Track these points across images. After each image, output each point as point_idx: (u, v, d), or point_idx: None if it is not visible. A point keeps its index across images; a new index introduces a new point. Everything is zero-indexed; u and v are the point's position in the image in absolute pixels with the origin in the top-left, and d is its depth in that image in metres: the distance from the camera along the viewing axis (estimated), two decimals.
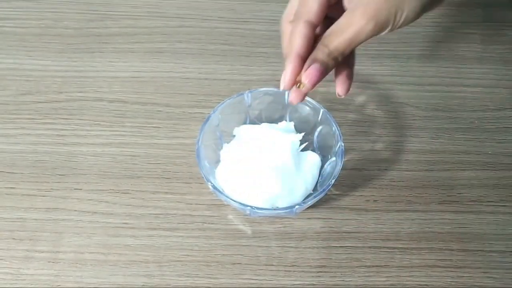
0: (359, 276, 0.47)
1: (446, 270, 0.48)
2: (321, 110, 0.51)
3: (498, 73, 0.61)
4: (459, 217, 0.51)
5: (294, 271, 0.48)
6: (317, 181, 0.50)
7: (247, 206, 0.45)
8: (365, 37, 0.37)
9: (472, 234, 0.50)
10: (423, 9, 0.38)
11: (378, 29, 0.37)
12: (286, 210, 0.46)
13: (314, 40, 0.39)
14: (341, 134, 0.49)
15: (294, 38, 0.38)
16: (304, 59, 0.38)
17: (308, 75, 0.37)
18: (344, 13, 0.37)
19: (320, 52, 0.37)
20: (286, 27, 0.40)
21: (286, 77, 0.38)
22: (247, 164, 0.48)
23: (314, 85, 0.38)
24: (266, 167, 0.47)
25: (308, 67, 0.37)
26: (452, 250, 0.49)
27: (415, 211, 0.51)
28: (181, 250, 0.48)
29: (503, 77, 0.61)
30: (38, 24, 0.64)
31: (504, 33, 0.65)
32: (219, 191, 0.46)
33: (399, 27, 0.38)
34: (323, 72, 0.38)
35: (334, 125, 0.49)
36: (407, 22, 0.38)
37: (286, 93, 0.51)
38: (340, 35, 0.37)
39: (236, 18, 0.65)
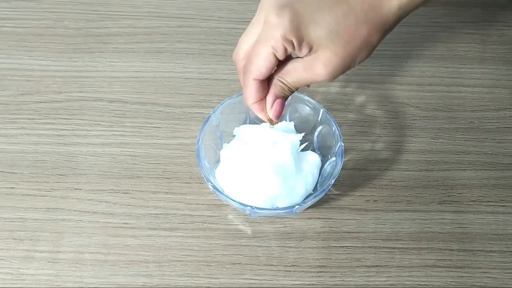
0: (359, 276, 0.48)
1: (446, 270, 0.48)
2: (321, 110, 0.51)
3: (498, 73, 0.61)
4: (459, 217, 0.51)
5: (294, 271, 0.48)
6: (317, 181, 0.50)
7: (247, 206, 0.45)
8: (320, 83, 0.41)
9: (472, 234, 0.50)
10: (368, 56, 0.41)
11: (332, 80, 0.41)
12: (286, 210, 0.46)
13: (267, 82, 0.42)
14: (341, 134, 0.49)
15: (247, 91, 0.42)
16: (263, 99, 0.43)
17: (274, 112, 0.42)
18: (303, 60, 0.40)
19: (280, 89, 0.42)
20: (238, 65, 0.42)
21: (263, 118, 0.43)
22: (247, 164, 0.48)
23: (280, 115, 0.43)
24: (266, 167, 0.47)
25: (272, 104, 0.42)
26: (452, 250, 0.49)
27: (415, 211, 0.51)
28: (181, 250, 0.48)
29: (503, 77, 0.61)
30: (38, 24, 0.64)
31: (504, 33, 0.65)
32: (219, 191, 0.46)
33: None
34: (284, 103, 0.43)
35: (334, 125, 0.49)
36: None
37: None
38: (297, 75, 0.40)
39: (236, 18, 0.65)
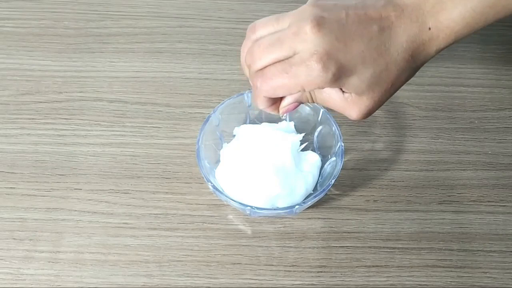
0: (359, 276, 0.48)
1: (446, 270, 0.48)
2: (321, 110, 0.51)
3: (498, 73, 0.61)
4: (459, 217, 0.51)
5: (294, 271, 0.48)
6: (317, 181, 0.50)
7: (247, 206, 0.45)
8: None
9: (472, 234, 0.50)
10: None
11: None
12: (286, 210, 0.46)
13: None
14: (341, 134, 0.49)
15: (258, 102, 0.40)
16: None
17: (286, 110, 0.41)
18: (342, 96, 0.39)
19: (305, 99, 0.40)
20: (249, 71, 0.40)
21: (271, 112, 0.42)
22: (247, 164, 0.48)
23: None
24: (266, 167, 0.47)
25: (288, 104, 0.41)
26: (452, 250, 0.49)
27: (415, 211, 0.51)
28: (181, 250, 0.48)
29: (503, 77, 0.61)
30: (38, 24, 0.64)
31: (504, 33, 0.65)
32: (219, 191, 0.46)
33: None
34: (298, 105, 0.42)
35: (334, 125, 0.49)
36: None
37: None
38: (328, 102, 0.40)
39: (236, 18, 0.65)
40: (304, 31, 0.35)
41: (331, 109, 0.42)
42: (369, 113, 0.40)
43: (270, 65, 0.37)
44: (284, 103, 0.41)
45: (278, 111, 0.42)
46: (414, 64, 0.39)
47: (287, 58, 0.37)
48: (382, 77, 0.38)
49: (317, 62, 0.35)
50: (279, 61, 0.37)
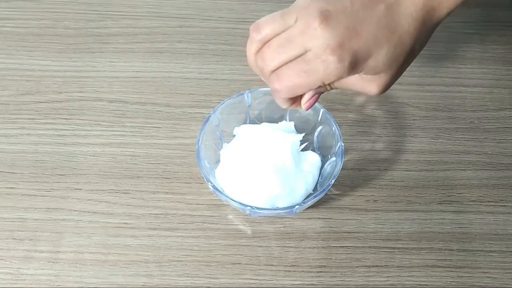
0: (359, 276, 0.48)
1: (446, 270, 0.48)
2: (321, 110, 0.51)
3: (498, 73, 0.61)
4: (459, 217, 0.51)
5: (294, 271, 0.48)
6: (317, 181, 0.50)
7: (247, 206, 0.45)
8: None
9: (472, 234, 0.50)
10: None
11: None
12: (286, 210, 0.46)
13: None
14: (341, 134, 0.49)
15: (279, 102, 0.41)
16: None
17: (309, 105, 0.41)
18: (358, 77, 0.39)
19: (323, 89, 0.40)
20: (263, 73, 0.39)
21: (292, 108, 0.42)
22: (247, 164, 0.48)
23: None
24: (266, 167, 0.47)
25: (309, 99, 0.41)
26: (452, 250, 0.49)
27: (415, 211, 0.51)
28: (181, 250, 0.48)
29: (503, 77, 0.61)
30: (38, 24, 0.64)
31: (504, 33, 0.65)
32: (219, 191, 0.46)
33: None
34: (319, 96, 0.42)
35: (334, 125, 0.49)
36: None
37: None
38: (347, 85, 0.40)
39: (236, 18, 0.65)
40: (313, 28, 0.36)
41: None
42: (388, 87, 0.40)
43: (283, 65, 0.38)
44: (304, 99, 0.41)
45: (301, 107, 0.42)
46: (426, 31, 0.39)
47: (299, 56, 0.37)
48: (398, 52, 0.38)
49: (332, 55, 0.36)
50: (291, 61, 0.37)
